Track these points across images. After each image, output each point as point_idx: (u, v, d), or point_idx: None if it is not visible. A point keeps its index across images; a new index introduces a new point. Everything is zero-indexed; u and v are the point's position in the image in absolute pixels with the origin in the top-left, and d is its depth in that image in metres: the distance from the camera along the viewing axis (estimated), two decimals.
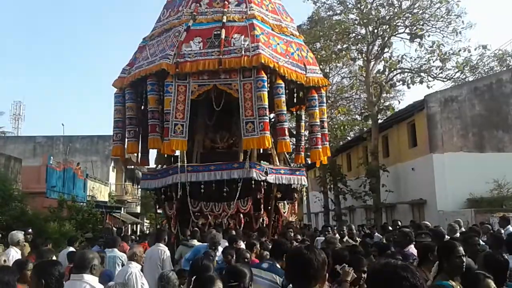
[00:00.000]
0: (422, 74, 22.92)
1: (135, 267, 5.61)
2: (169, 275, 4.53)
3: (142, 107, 12.49)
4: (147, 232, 20.42)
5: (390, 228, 10.85)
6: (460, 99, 19.46)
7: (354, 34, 23.60)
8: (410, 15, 22.36)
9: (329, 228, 10.05)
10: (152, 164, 13.79)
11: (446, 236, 8.31)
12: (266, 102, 10.57)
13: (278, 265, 4.71)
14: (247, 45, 10.80)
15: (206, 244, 7.13)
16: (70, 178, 22.60)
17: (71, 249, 8.56)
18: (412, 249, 6.35)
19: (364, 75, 23.43)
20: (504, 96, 19.50)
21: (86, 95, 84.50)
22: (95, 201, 22.02)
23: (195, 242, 7.99)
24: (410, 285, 1.85)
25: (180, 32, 11.33)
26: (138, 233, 25.11)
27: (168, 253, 7.33)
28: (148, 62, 11.58)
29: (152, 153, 13.10)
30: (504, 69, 23.38)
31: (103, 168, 32.30)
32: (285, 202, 12.25)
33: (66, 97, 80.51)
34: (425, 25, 22.50)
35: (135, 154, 13.01)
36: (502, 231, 9.53)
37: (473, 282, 3.25)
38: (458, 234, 8.51)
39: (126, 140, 12.00)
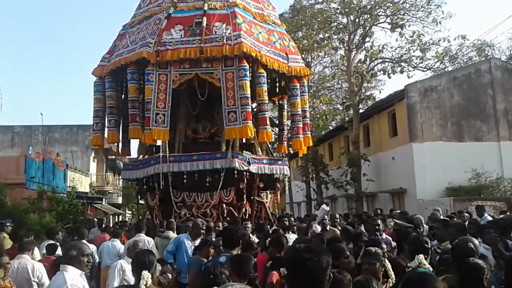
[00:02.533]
0: (402, 63, 23.14)
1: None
2: None
3: (123, 96, 12.30)
4: (129, 222, 20.22)
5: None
6: (439, 89, 19.70)
7: (335, 23, 23.64)
8: (391, 5, 22.47)
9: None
10: (133, 154, 13.64)
11: (425, 225, 8.47)
12: (248, 92, 10.52)
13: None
14: (229, 33, 10.70)
15: (186, 234, 7.07)
16: (50, 168, 22.20)
17: (52, 241, 8.44)
18: (386, 236, 6.55)
19: (346, 64, 23.54)
20: (482, 86, 19.81)
21: (65, 83, 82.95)
22: (76, 192, 21.67)
23: (171, 234, 7.96)
24: (314, 263, 2.09)
25: (160, 20, 11.16)
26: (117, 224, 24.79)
27: (153, 242, 7.29)
28: (128, 50, 11.39)
29: (133, 143, 12.96)
30: (483, 59, 23.74)
31: (84, 158, 31.83)
32: (268, 192, 12.26)
33: (44, 86, 78.88)
34: (405, 14, 22.66)
35: (116, 144, 12.84)
36: (479, 219, 9.71)
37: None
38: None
39: (106, 129, 11.83)
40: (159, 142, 11.53)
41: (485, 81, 19.88)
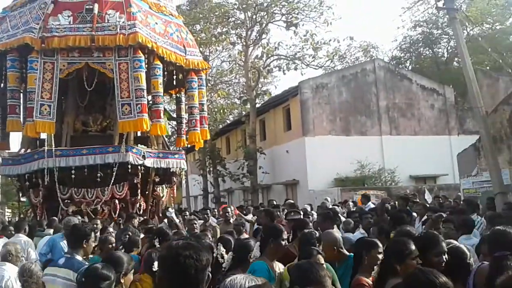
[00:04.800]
0: (296, 61, 24.15)
1: (11, 270, 4.58)
2: (31, 267, 4.15)
3: (1, 85, 11.19)
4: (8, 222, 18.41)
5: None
6: (329, 86, 20.91)
7: (233, 19, 23.91)
8: (286, 3, 23.29)
9: (208, 210, 10.13)
10: (13, 148, 12.50)
11: (314, 213, 8.99)
12: (144, 83, 10.18)
13: (79, 257, 4.07)
14: (123, 22, 10.23)
15: (60, 233, 6.62)
16: None
17: None
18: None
19: (243, 60, 23.93)
20: (367, 85, 21.42)
21: None
22: None
23: (51, 232, 7.44)
24: (195, 260, 1.99)
25: (46, 4, 10.32)
26: None
27: (31, 243, 6.70)
28: (8, 35, 10.38)
29: (13, 136, 11.87)
30: (368, 59, 25.67)
31: None
32: (164, 186, 12.04)
33: None
34: (299, 14, 23.65)
35: None
36: (363, 207, 10.53)
37: (306, 256, 3.61)
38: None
39: None
40: (43, 135, 10.70)
41: (369, 80, 21.51)
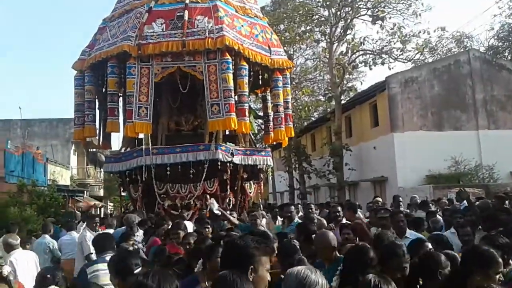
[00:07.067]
0: (383, 55, 23.40)
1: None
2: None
3: (104, 90, 12.24)
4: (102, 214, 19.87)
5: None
6: (419, 80, 20.02)
7: (317, 16, 23.74)
8: None
9: (293, 206, 10.22)
10: (114, 147, 13.60)
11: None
12: (231, 84, 10.58)
13: None
14: (211, 26, 10.71)
15: (124, 227, 7.12)
16: (30, 162, 21.89)
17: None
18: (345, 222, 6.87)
19: (328, 56, 23.68)
20: (461, 77, 20.19)
21: (44, 77, 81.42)
22: (57, 185, 21.46)
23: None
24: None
25: (141, 13, 11.10)
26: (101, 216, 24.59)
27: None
28: (109, 44, 11.33)
29: (114, 136, 12.93)
30: (462, 50, 24.17)
31: (64, 152, 31.53)
32: (251, 182, 12.39)
33: (23, 80, 77.34)
34: (386, 7, 22.84)
35: (97, 137, 12.81)
36: (458, 205, 9.99)
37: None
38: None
39: (85, 123, 11.79)
40: (141, 135, 11.54)
41: (464, 72, 20.26)
